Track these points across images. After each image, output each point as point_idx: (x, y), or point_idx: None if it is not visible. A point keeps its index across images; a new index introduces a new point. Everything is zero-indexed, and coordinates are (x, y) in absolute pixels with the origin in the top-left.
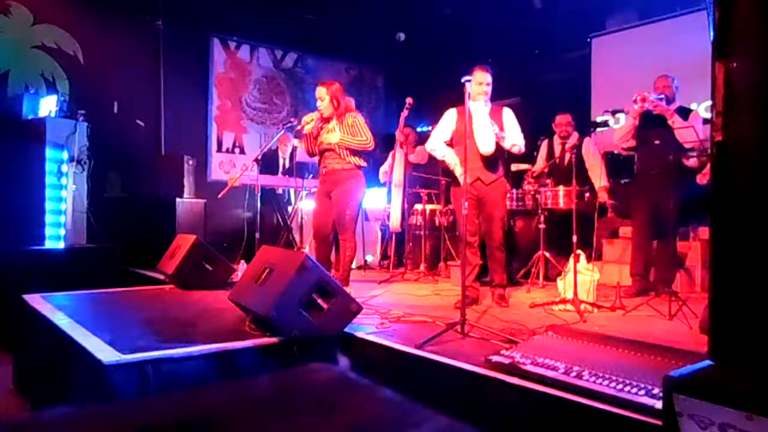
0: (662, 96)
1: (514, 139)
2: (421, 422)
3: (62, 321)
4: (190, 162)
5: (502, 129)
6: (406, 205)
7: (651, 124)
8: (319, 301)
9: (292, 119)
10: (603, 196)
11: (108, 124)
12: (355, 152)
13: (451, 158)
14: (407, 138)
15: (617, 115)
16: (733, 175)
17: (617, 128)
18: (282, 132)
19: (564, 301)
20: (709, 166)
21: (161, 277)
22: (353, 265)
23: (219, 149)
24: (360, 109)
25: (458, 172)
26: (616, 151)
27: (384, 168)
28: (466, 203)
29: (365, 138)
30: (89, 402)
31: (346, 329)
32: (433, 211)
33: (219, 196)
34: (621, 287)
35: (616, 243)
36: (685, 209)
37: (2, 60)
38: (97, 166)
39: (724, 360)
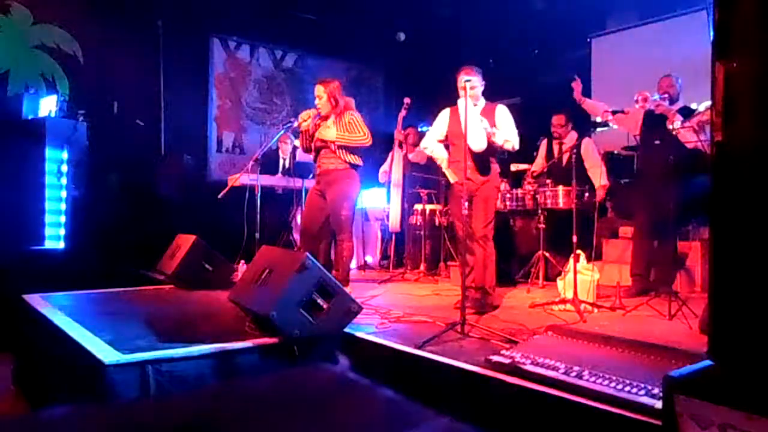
0: (665, 95)
1: (507, 136)
2: (421, 422)
3: (62, 321)
4: (190, 162)
5: (493, 126)
6: (405, 205)
7: (652, 124)
8: (319, 301)
9: (292, 119)
10: (600, 195)
11: (108, 124)
12: (350, 151)
13: (439, 154)
14: (407, 138)
15: (617, 115)
16: (733, 175)
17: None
18: (282, 132)
19: (564, 301)
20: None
21: (161, 277)
22: (353, 265)
23: (219, 149)
24: (360, 109)
25: (444, 166)
26: (616, 151)
27: (384, 168)
28: (466, 203)
29: (362, 134)
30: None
31: (346, 329)
32: (433, 211)
33: (219, 196)
34: (621, 287)
35: (616, 243)
36: (685, 209)
37: (2, 60)
38: (97, 166)
39: (724, 360)
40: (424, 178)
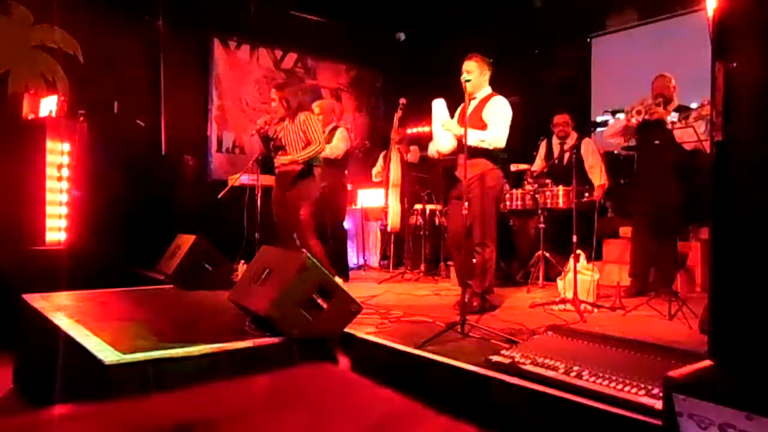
0: (659, 97)
1: (483, 135)
2: (421, 422)
3: (62, 321)
4: (190, 162)
5: (482, 120)
6: (405, 205)
7: (650, 125)
8: (319, 301)
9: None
10: (598, 194)
11: (108, 124)
12: (298, 152)
13: (445, 145)
14: (402, 138)
15: (617, 115)
16: (733, 175)
17: (607, 127)
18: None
19: (564, 301)
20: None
21: (161, 277)
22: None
23: (219, 149)
24: (359, 109)
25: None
26: (616, 151)
27: (377, 169)
28: (466, 203)
29: (315, 142)
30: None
31: (346, 329)
32: (433, 211)
33: (219, 196)
34: (621, 287)
35: (616, 243)
36: (685, 209)
37: (2, 60)
38: (97, 166)
39: (724, 360)
40: (424, 177)
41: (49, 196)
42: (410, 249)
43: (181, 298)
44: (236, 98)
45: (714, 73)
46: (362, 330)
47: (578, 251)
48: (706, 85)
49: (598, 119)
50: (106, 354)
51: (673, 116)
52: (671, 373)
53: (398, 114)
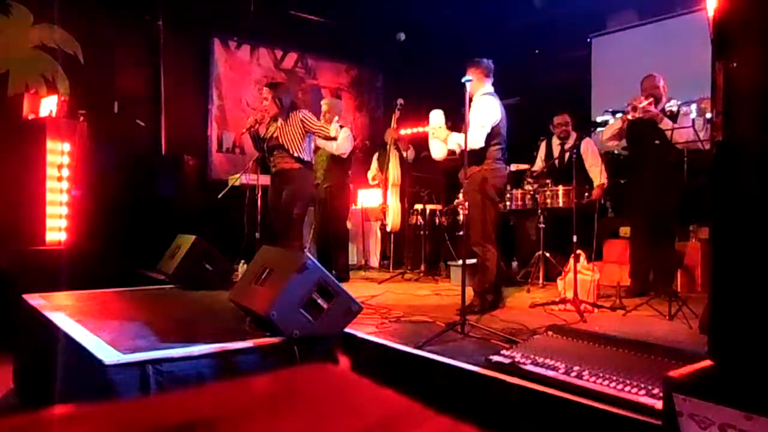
0: (650, 98)
1: (459, 138)
2: (421, 422)
3: (62, 321)
4: (190, 162)
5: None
6: (406, 205)
7: (644, 126)
8: (319, 301)
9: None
10: (596, 193)
11: (108, 124)
12: (303, 149)
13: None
14: (399, 138)
15: (617, 116)
16: (733, 175)
17: (605, 128)
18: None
19: (564, 301)
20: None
21: (161, 277)
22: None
23: (219, 149)
24: (359, 110)
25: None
26: (616, 151)
27: (372, 173)
28: (467, 203)
29: (321, 123)
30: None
31: (346, 329)
32: (433, 211)
33: (219, 196)
34: (621, 287)
35: (616, 243)
36: (685, 209)
37: (2, 60)
38: (98, 166)
39: (724, 360)
40: (424, 177)
41: (49, 196)
42: (410, 249)
43: (181, 298)
44: (236, 98)
45: (714, 73)
46: (362, 330)
47: (578, 251)
48: (706, 86)
49: (598, 119)
50: (107, 354)
51: (667, 123)
52: (671, 373)
53: (396, 114)
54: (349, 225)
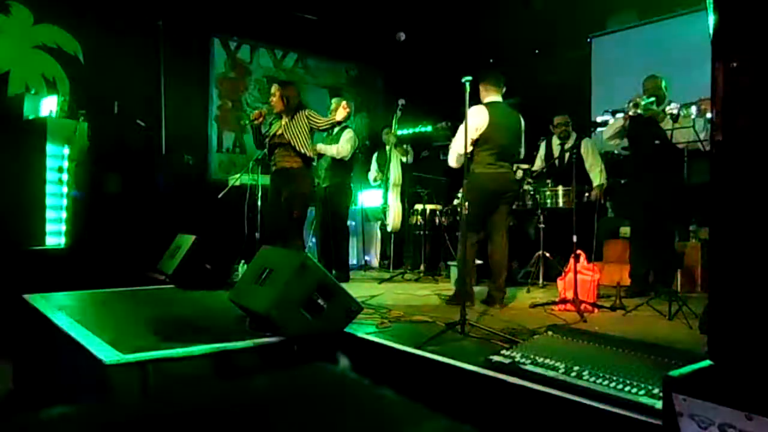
0: (653, 98)
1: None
2: (421, 422)
3: (62, 321)
4: (190, 162)
5: None
6: (406, 205)
7: (645, 125)
8: (319, 301)
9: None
10: (595, 193)
11: (108, 124)
12: (305, 148)
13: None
14: (399, 138)
15: (617, 115)
16: (733, 175)
17: (606, 127)
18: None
19: (564, 301)
20: None
21: (161, 277)
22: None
23: (219, 149)
24: (360, 110)
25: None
26: (616, 151)
27: (372, 174)
28: (467, 203)
29: (327, 118)
30: (89, 402)
31: (346, 329)
32: (433, 211)
33: (219, 196)
34: (621, 287)
35: (616, 243)
36: (686, 209)
37: (3, 60)
38: (97, 166)
39: (724, 360)
40: (424, 177)
41: (49, 197)
42: (410, 249)
43: (181, 298)
44: (236, 98)
45: (714, 73)
46: (362, 330)
47: (578, 251)
48: (706, 86)
49: (598, 119)
50: (107, 354)
51: (668, 123)
52: (671, 373)
53: (398, 115)
54: (350, 225)
